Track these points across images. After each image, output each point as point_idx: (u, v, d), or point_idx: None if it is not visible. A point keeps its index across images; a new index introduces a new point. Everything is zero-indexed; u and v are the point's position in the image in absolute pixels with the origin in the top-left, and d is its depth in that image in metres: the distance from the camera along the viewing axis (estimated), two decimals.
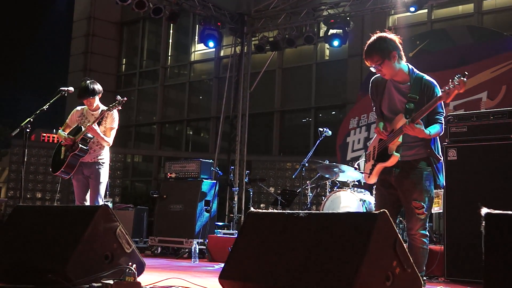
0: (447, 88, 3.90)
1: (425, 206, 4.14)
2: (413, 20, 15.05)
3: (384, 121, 4.36)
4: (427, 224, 4.25)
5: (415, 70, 4.31)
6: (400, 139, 4.18)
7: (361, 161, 4.89)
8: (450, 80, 3.89)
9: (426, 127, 4.10)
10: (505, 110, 5.57)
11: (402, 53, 4.25)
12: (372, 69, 4.28)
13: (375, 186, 4.70)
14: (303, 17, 12.35)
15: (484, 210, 2.63)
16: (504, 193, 5.30)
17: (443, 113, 4.25)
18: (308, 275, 2.98)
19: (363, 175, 4.68)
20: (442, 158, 4.30)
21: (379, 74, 4.37)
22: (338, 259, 2.92)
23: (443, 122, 4.22)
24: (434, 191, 4.27)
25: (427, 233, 4.23)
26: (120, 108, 6.24)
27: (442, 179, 4.27)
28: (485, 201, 4.97)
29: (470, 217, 5.25)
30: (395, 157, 4.18)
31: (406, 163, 4.21)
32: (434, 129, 4.13)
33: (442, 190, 4.34)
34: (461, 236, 5.50)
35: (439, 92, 4.18)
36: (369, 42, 4.24)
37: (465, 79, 3.83)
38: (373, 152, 4.45)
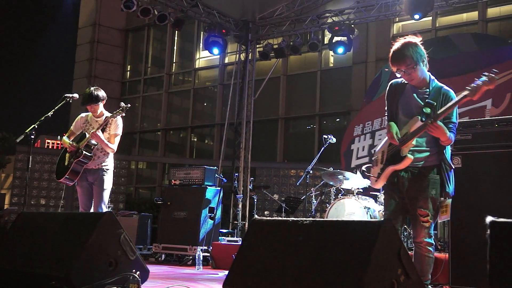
0: (473, 85, 3.87)
1: (430, 214, 4.11)
2: (418, 27, 15.02)
3: (398, 125, 4.33)
4: (432, 232, 4.23)
5: (435, 80, 4.32)
6: (414, 141, 4.16)
7: (367, 166, 4.82)
8: (476, 78, 3.87)
9: None
10: (509, 117, 5.54)
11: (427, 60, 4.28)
12: (398, 74, 4.27)
13: (383, 191, 4.65)
14: (307, 24, 12.37)
15: (489, 218, 2.62)
16: (509, 200, 5.27)
17: (457, 123, 4.25)
18: (311, 283, 2.97)
19: (370, 179, 4.61)
20: (453, 168, 4.28)
21: (400, 79, 4.39)
22: (342, 267, 2.91)
23: (455, 132, 4.22)
24: (441, 199, 4.24)
25: (433, 241, 4.20)
26: (123, 114, 6.26)
27: (452, 188, 4.24)
28: (490, 208, 4.96)
29: (475, 225, 5.23)
30: (409, 159, 4.14)
31: (415, 169, 4.20)
32: (451, 136, 4.12)
33: (449, 199, 4.30)
34: (466, 244, 5.47)
35: None
36: (399, 45, 4.23)
37: (496, 76, 3.83)
38: (382, 157, 4.42)
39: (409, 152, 4.16)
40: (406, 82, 4.38)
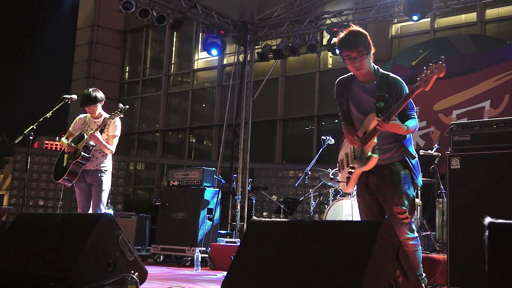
0: (423, 75, 3.77)
1: (407, 210, 4.05)
2: (416, 29, 15.05)
3: (353, 123, 4.27)
4: (413, 226, 4.18)
5: (380, 69, 4.25)
6: (375, 139, 4.05)
7: (335, 171, 4.70)
8: (425, 68, 3.78)
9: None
10: (508, 119, 5.55)
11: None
12: (348, 62, 4.14)
13: (355, 193, 4.54)
14: (306, 26, 12.37)
15: (487, 219, 2.62)
16: (507, 202, 5.28)
17: (414, 107, 4.17)
18: (310, 284, 2.97)
19: (340, 184, 4.46)
20: (416, 156, 4.22)
21: (344, 76, 4.34)
22: (340, 268, 2.91)
23: (416, 117, 4.14)
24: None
25: (415, 234, 4.16)
26: (122, 116, 6.27)
27: (419, 179, 4.19)
28: (488, 209, 4.96)
29: (473, 226, 5.22)
30: (374, 159, 4.04)
31: (382, 167, 4.11)
32: (411, 124, 4.05)
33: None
34: (464, 245, 5.48)
35: (406, 89, 4.12)
36: (352, 32, 4.14)
37: (443, 63, 3.74)
38: (347, 159, 4.33)
39: (373, 151, 4.06)
40: (351, 77, 4.30)
